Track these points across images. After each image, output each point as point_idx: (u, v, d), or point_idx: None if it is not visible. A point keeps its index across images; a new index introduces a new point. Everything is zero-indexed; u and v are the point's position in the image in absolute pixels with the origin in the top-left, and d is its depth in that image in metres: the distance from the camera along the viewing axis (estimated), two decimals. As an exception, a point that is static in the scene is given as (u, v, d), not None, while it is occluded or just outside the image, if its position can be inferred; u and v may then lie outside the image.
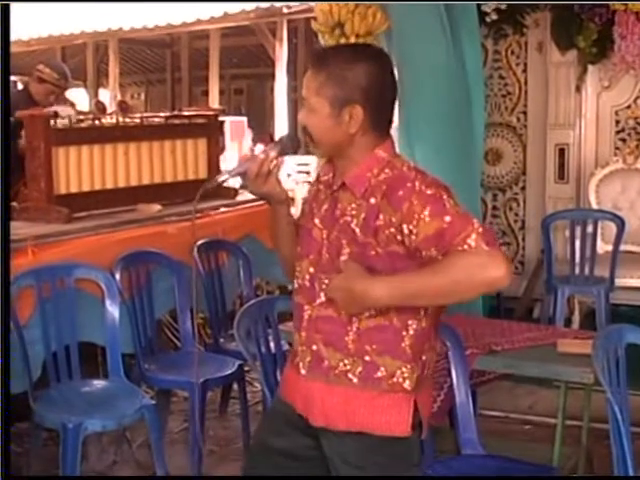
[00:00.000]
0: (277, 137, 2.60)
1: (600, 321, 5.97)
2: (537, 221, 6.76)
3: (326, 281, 2.41)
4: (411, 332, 2.39)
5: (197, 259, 4.99)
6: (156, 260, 4.85)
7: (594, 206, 6.80)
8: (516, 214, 7.29)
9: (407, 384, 2.41)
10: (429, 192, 2.29)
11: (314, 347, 2.47)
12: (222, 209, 5.81)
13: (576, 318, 6.60)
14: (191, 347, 4.83)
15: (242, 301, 5.13)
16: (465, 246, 2.22)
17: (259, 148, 10.09)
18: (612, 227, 6.29)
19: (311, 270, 2.47)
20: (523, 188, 7.25)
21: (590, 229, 6.29)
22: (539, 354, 3.79)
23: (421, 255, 2.29)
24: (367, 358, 2.40)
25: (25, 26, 12.40)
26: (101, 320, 4.34)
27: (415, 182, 2.32)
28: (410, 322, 2.39)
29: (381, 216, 2.33)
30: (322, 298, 2.44)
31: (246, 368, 4.80)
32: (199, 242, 5.07)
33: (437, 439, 3.60)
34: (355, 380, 2.41)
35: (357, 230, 2.37)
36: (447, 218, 2.25)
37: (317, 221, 2.50)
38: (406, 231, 2.29)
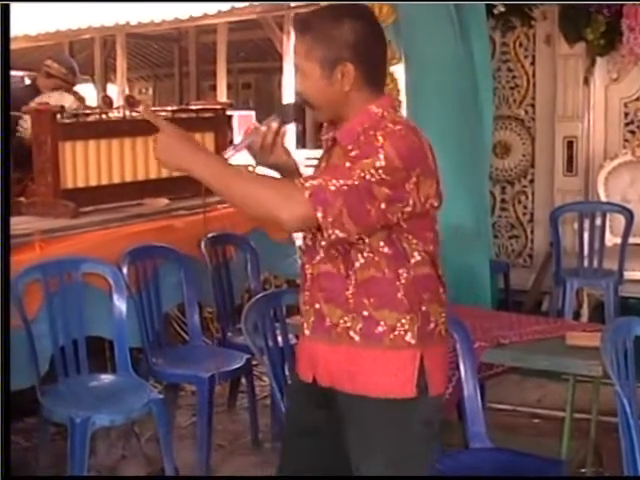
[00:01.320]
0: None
1: (609, 314, 5.95)
2: (546, 214, 6.74)
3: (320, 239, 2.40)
4: (403, 281, 2.38)
5: (205, 253, 4.99)
6: (163, 254, 4.85)
7: (603, 199, 6.79)
8: (525, 207, 7.28)
9: (409, 337, 2.39)
10: (377, 143, 2.28)
11: (317, 305, 2.48)
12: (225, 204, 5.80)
13: (585, 311, 6.59)
14: (199, 341, 4.84)
15: (250, 295, 5.12)
16: (301, 180, 2.28)
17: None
18: (621, 219, 6.27)
19: (313, 230, 2.44)
20: (532, 181, 7.24)
21: (599, 222, 6.27)
22: (547, 347, 3.78)
23: None
24: (365, 313, 2.39)
25: (33, 21, 12.40)
26: (109, 314, 4.34)
27: (378, 131, 2.32)
28: (401, 271, 2.38)
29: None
30: (321, 254, 2.45)
31: (254, 362, 4.79)
32: (207, 236, 5.07)
33: (445, 432, 3.58)
34: (357, 338, 2.41)
35: None
36: (347, 164, 2.28)
37: None
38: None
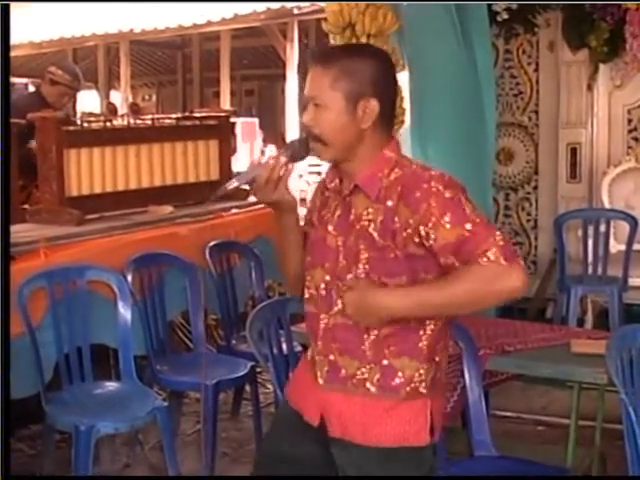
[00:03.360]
0: (288, 140, 2.56)
1: (613, 321, 5.95)
2: (549, 221, 6.73)
3: (344, 288, 2.38)
4: (429, 332, 2.38)
5: (209, 260, 5.00)
6: (168, 262, 4.85)
7: (607, 205, 6.78)
8: (528, 214, 7.27)
9: (423, 386, 2.39)
10: (447, 195, 2.26)
11: (331, 357, 2.44)
12: (234, 210, 5.82)
13: (589, 318, 6.58)
14: (203, 348, 4.84)
15: (254, 302, 5.13)
16: (484, 259, 2.20)
17: (270, 148, 10.11)
18: (625, 226, 6.26)
19: (327, 278, 2.43)
20: (535, 188, 7.23)
21: (603, 228, 6.27)
22: (552, 355, 3.78)
23: (438, 261, 2.28)
24: (385, 362, 2.37)
25: (37, 28, 12.43)
26: (113, 322, 4.35)
27: (431, 182, 2.29)
28: (427, 321, 2.37)
29: (396, 218, 2.29)
30: (339, 306, 2.41)
31: (258, 369, 4.80)
32: (211, 243, 5.08)
33: (450, 440, 3.58)
34: (373, 389, 2.39)
35: (375, 234, 2.33)
36: (468, 226, 2.23)
37: (331, 228, 2.45)
38: (423, 233, 2.26)
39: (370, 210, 2.35)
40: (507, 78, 7.18)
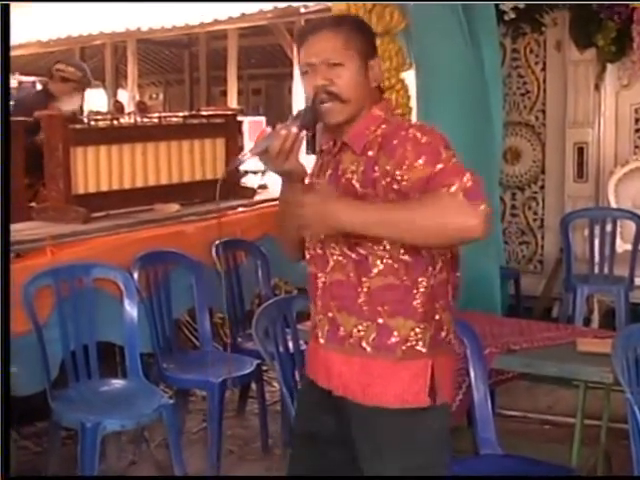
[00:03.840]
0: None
1: (619, 320, 5.94)
2: (556, 220, 6.72)
3: (333, 244, 2.43)
4: (422, 289, 2.39)
5: (215, 258, 5.00)
6: (174, 260, 4.86)
7: (613, 205, 6.76)
8: (535, 213, 7.26)
9: (420, 345, 2.40)
10: (424, 140, 2.31)
11: (330, 314, 2.48)
12: (240, 209, 5.82)
13: (595, 317, 6.57)
14: (209, 346, 4.84)
15: (260, 300, 5.13)
16: (445, 189, 2.21)
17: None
18: (631, 226, 6.26)
19: (322, 237, 2.47)
20: (542, 187, 7.22)
21: (609, 228, 6.27)
22: (558, 353, 3.78)
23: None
24: (380, 321, 2.39)
25: (44, 27, 12.45)
26: (119, 320, 4.35)
27: (409, 129, 2.35)
28: (420, 279, 2.38)
29: (376, 167, 2.35)
30: (332, 263, 2.46)
31: (264, 368, 4.80)
32: (217, 242, 5.08)
33: (455, 439, 3.57)
34: (369, 349, 2.41)
35: (357, 185, 2.38)
36: (439, 165, 2.25)
37: None
38: (398, 177, 2.29)
39: (354, 163, 2.42)
40: (514, 77, 7.17)
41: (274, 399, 5.26)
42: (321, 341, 2.52)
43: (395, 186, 2.31)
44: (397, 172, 2.29)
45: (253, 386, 5.04)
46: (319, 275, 2.51)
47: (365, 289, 2.40)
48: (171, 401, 4.14)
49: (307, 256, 2.58)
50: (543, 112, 7.14)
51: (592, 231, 6.29)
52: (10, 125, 3.60)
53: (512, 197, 7.31)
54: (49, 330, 4.16)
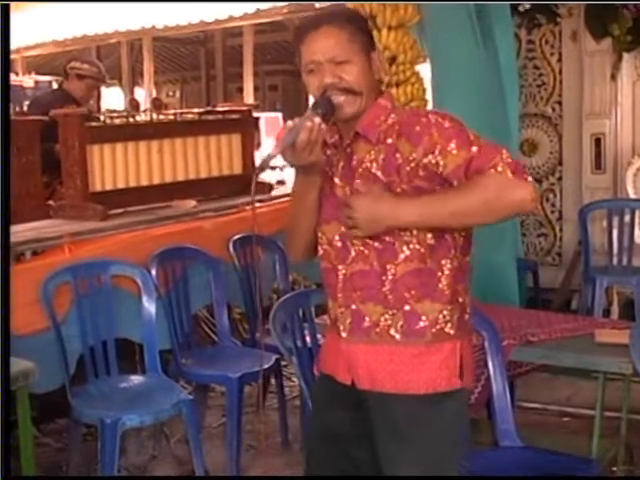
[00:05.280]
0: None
1: (639, 311, 5.91)
2: (574, 212, 6.70)
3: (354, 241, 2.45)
4: (446, 272, 2.41)
5: (233, 254, 5.01)
6: (192, 256, 4.87)
7: (631, 195, 6.73)
8: (553, 205, 7.23)
9: (449, 327, 2.42)
10: (447, 125, 2.35)
11: (353, 306, 2.47)
12: (257, 204, 5.82)
13: (615, 309, 6.55)
14: (228, 342, 4.85)
15: (279, 296, 5.13)
16: (492, 171, 2.26)
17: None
18: (650, 216, 6.24)
19: (342, 229, 2.46)
20: (560, 178, 7.19)
21: (627, 219, 6.24)
22: (577, 345, 3.77)
23: (452, 185, 2.33)
24: (407, 307, 2.40)
25: (59, 26, 12.47)
26: (137, 317, 4.37)
27: (429, 115, 2.39)
28: (443, 262, 2.40)
29: (398, 155, 2.36)
30: (353, 254, 2.46)
31: (284, 362, 4.80)
32: (235, 237, 5.08)
33: (474, 431, 3.57)
34: (398, 336, 2.41)
35: (378, 173, 2.40)
36: (474, 148, 2.30)
37: (337, 180, 2.51)
38: (433, 162, 2.32)
39: (372, 152, 2.43)
40: (530, 69, 7.15)
41: (293, 394, 5.27)
42: (343, 335, 2.51)
43: (421, 172, 2.33)
44: (430, 157, 2.32)
45: (273, 381, 5.04)
46: (339, 268, 2.50)
47: (390, 276, 2.41)
48: (190, 397, 4.14)
49: (320, 251, 2.57)
50: (559, 103, 7.11)
51: (610, 222, 6.27)
52: (10, 125, 3.61)
53: (530, 189, 7.27)
54: (67, 327, 4.19)
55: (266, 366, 4.53)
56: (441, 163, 2.30)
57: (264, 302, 5.27)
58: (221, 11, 11.27)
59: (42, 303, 4.07)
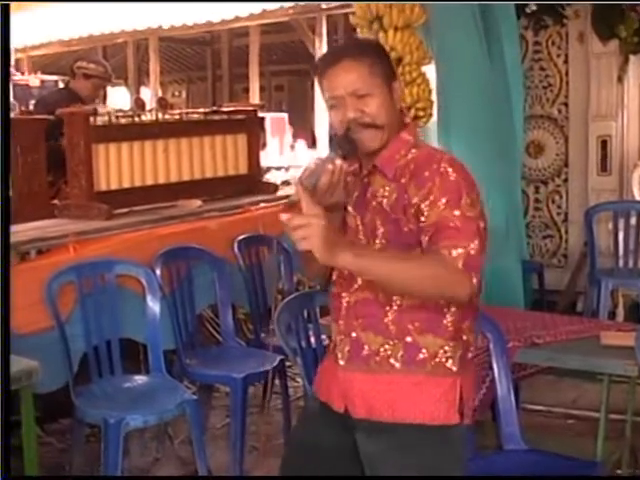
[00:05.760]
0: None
1: (644, 314, 5.91)
2: (580, 213, 6.69)
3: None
4: (453, 309, 2.38)
5: (238, 254, 5.00)
6: (196, 255, 4.86)
7: (637, 197, 6.71)
8: (559, 207, 7.22)
9: (450, 363, 2.39)
10: (452, 178, 2.31)
11: (353, 334, 2.46)
12: (262, 204, 5.82)
13: (620, 311, 6.53)
14: (232, 342, 4.84)
15: (283, 296, 5.12)
16: (446, 252, 2.23)
17: (300, 143, 10.09)
18: (656, 219, 6.22)
19: None
20: (565, 180, 7.18)
21: (634, 221, 6.23)
22: (582, 347, 3.75)
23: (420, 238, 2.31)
24: (408, 339, 2.38)
25: (66, 26, 12.49)
26: (141, 316, 4.36)
27: (441, 163, 2.34)
28: None
29: (406, 195, 2.35)
30: (359, 282, 2.43)
31: (288, 363, 4.79)
32: (240, 237, 5.08)
33: (479, 434, 3.57)
34: (398, 365, 2.39)
35: (388, 209, 2.38)
36: (457, 212, 2.26)
37: (350, 208, 2.50)
38: (423, 208, 2.30)
39: (386, 188, 2.41)
40: (536, 70, 7.14)
41: (298, 394, 5.26)
42: (341, 362, 2.50)
43: (422, 218, 2.31)
44: (422, 205, 2.30)
45: (277, 382, 5.03)
46: (343, 295, 2.50)
47: (395, 307, 2.39)
48: (194, 397, 4.13)
49: (334, 277, 2.56)
50: (566, 105, 7.10)
51: (616, 224, 6.25)
52: (10, 126, 3.60)
53: (535, 191, 7.28)
54: (71, 327, 4.18)
55: (270, 367, 4.52)
56: (426, 214, 2.29)
57: (269, 303, 5.27)
58: (227, 11, 11.28)
59: (46, 302, 4.07)
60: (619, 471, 4.07)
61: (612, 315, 6.33)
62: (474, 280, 2.22)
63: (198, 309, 4.97)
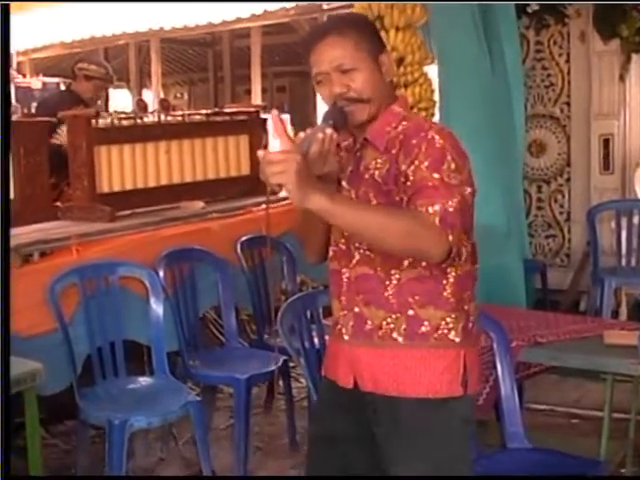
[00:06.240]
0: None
1: (647, 313, 5.91)
2: (582, 213, 6.70)
3: (357, 244, 2.43)
4: (451, 280, 2.39)
5: (240, 255, 5.00)
6: (199, 257, 4.86)
7: (640, 196, 6.72)
8: (561, 206, 7.22)
9: (453, 335, 2.40)
10: (438, 144, 2.30)
11: (356, 309, 2.47)
12: (264, 205, 5.81)
13: (623, 310, 6.53)
14: (235, 343, 4.85)
15: (286, 297, 5.13)
16: (424, 209, 2.22)
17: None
18: (659, 218, 6.22)
19: (346, 233, 2.45)
20: (568, 179, 7.18)
21: (636, 220, 6.23)
22: (585, 346, 3.75)
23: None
24: (410, 312, 2.39)
25: (67, 28, 12.48)
26: (144, 319, 4.37)
27: (429, 131, 2.34)
28: (449, 270, 2.38)
29: (396, 165, 2.35)
30: (357, 257, 2.45)
31: (291, 364, 4.80)
32: (242, 238, 5.08)
33: (483, 433, 3.57)
34: (400, 339, 2.40)
35: (380, 180, 2.39)
36: (436, 175, 2.25)
37: (344, 183, 2.51)
38: (408, 174, 2.29)
39: (378, 160, 2.42)
40: (538, 70, 7.14)
41: (301, 395, 5.26)
42: (345, 337, 2.51)
43: (408, 183, 2.31)
44: (408, 171, 2.30)
45: (281, 382, 5.04)
46: (343, 271, 2.50)
47: (395, 281, 2.39)
48: (198, 398, 4.13)
49: (330, 253, 2.57)
50: (568, 104, 7.10)
51: (619, 223, 6.25)
52: (10, 126, 3.61)
53: (538, 190, 7.28)
54: (75, 328, 4.18)
55: (273, 367, 4.52)
56: (410, 178, 2.29)
57: (272, 303, 5.27)
58: (229, 13, 11.28)
59: (49, 304, 4.07)
60: (623, 470, 4.07)
61: (615, 314, 6.33)
62: (450, 237, 2.20)
63: (201, 310, 4.98)
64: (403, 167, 2.32)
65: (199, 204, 5.50)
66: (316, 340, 3.68)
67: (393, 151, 2.38)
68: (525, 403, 4.38)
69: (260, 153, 2.15)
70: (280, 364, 4.54)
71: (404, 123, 2.43)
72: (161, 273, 4.55)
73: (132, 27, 12.20)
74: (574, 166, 7.14)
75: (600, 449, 3.75)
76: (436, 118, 5.70)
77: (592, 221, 6.28)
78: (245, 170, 5.96)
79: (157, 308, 4.37)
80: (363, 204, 2.37)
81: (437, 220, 2.20)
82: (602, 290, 6.04)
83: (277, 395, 5.26)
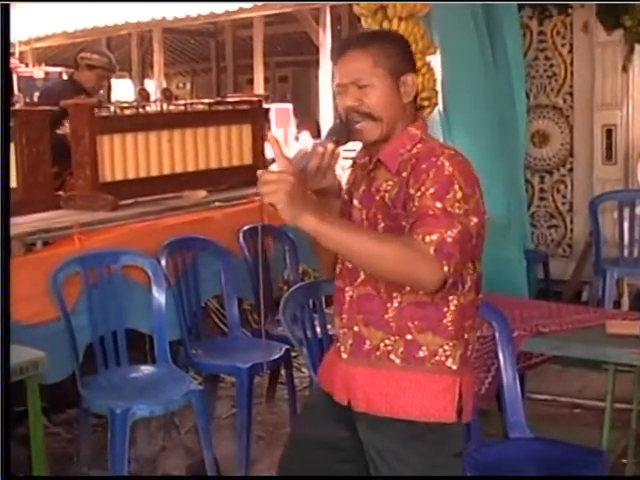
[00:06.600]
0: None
1: (650, 303, 5.91)
2: (585, 203, 6.68)
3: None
4: (452, 308, 2.37)
5: (243, 245, 5.00)
6: (202, 246, 4.86)
7: (643, 187, 6.71)
8: (564, 196, 7.21)
9: (450, 362, 2.39)
10: (447, 172, 2.27)
11: (355, 328, 2.46)
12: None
13: (625, 301, 6.53)
14: (238, 332, 4.85)
15: (289, 286, 5.13)
16: (420, 237, 2.19)
17: (304, 135, 10.09)
18: (661, 208, 6.21)
19: None
20: (570, 170, 7.17)
21: (639, 210, 6.22)
22: (587, 336, 3.74)
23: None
24: (409, 337, 2.38)
25: (70, 18, 12.49)
26: (146, 308, 4.37)
27: (440, 157, 2.31)
28: (451, 298, 2.36)
29: (405, 189, 2.33)
30: (362, 277, 2.43)
31: (294, 353, 4.80)
32: (245, 228, 5.08)
33: (485, 422, 3.57)
34: (397, 361, 2.39)
35: (389, 203, 2.37)
36: (438, 204, 2.22)
37: (356, 202, 2.50)
38: (414, 199, 2.27)
39: (390, 182, 2.40)
40: (541, 60, 7.13)
41: (303, 384, 5.27)
42: (343, 356, 2.51)
43: (413, 208, 2.28)
44: (415, 196, 2.28)
45: (283, 372, 5.04)
46: (347, 289, 2.50)
47: (395, 304, 2.38)
48: (200, 387, 4.14)
49: (337, 270, 2.57)
50: (570, 94, 7.08)
51: (621, 214, 6.25)
52: (10, 125, 3.61)
53: (540, 180, 7.27)
54: (77, 317, 4.19)
55: (276, 357, 4.53)
56: (416, 203, 2.26)
57: (274, 293, 5.27)
58: (231, 3, 11.28)
59: (52, 293, 4.07)
60: (624, 460, 4.08)
61: (617, 304, 6.32)
62: (445, 267, 2.17)
63: (203, 299, 4.98)
64: (411, 191, 2.29)
65: (201, 193, 5.50)
66: (318, 329, 3.69)
67: (404, 174, 2.36)
68: (527, 393, 4.39)
69: (259, 172, 2.17)
70: (282, 353, 4.54)
71: (419, 146, 2.41)
72: (163, 262, 4.55)
73: (135, 17, 12.23)
74: (577, 156, 7.13)
75: (602, 439, 3.75)
76: (439, 108, 5.69)
77: (594, 211, 6.27)
78: (247, 159, 5.96)
79: (159, 297, 4.37)
80: (355, 227, 2.36)
81: (432, 249, 2.17)
82: (604, 280, 6.03)
83: (279, 384, 5.27)
